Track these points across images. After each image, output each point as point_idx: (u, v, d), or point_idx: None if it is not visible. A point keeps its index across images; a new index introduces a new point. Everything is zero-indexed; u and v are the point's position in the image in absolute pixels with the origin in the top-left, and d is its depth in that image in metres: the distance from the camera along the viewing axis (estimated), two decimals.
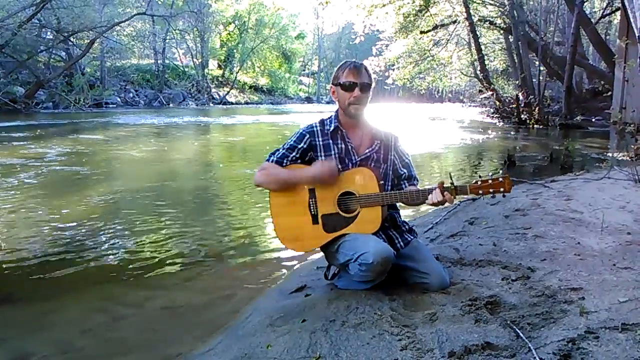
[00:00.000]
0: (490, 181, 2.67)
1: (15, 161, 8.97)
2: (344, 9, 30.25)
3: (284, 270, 3.77)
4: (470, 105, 39.48)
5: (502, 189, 2.66)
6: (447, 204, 2.74)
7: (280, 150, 2.87)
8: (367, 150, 2.87)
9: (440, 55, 28.93)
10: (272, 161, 2.86)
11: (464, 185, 2.70)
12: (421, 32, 27.15)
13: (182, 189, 7.01)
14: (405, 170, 2.95)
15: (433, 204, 2.70)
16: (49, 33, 28.94)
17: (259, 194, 6.16)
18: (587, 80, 27.29)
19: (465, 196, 3.00)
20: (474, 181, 2.72)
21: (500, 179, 2.66)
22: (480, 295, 2.58)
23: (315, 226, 2.79)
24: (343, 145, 2.86)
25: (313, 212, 2.79)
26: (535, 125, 19.08)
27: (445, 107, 44.39)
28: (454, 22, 26.08)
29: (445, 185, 2.68)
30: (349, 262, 2.67)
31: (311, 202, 2.79)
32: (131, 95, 36.05)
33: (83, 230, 4.68)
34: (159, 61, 41.00)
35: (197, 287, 3.49)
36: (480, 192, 2.69)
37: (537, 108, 19.54)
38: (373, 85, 2.88)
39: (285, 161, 2.85)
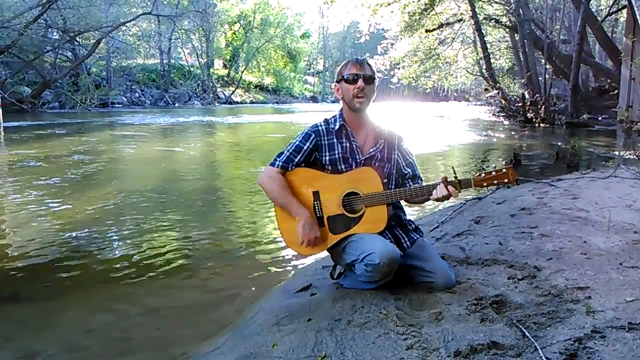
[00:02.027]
0: (493, 173, 2.66)
1: (21, 161, 9.02)
2: (349, 8, 30.10)
3: (290, 270, 3.77)
4: (475, 104, 39.44)
5: (506, 180, 2.66)
6: (452, 200, 2.72)
7: (286, 153, 2.85)
8: (371, 149, 2.87)
9: (446, 54, 28.91)
10: (277, 166, 2.84)
11: (467, 179, 2.69)
12: (426, 31, 27.11)
13: (187, 188, 7.03)
14: (409, 170, 2.94)
15: (437, 199, 2.69)
16: (55, 33, 29.11)
17: (263, 194, 6.16)
18: (593, 78, 27.16)
19: (471, 194, 2.98)
20: (477, 174, 2.71)
21: (504, 170, 2.65)
22: (486, 294, 2.57)
23: (321, 228, 2.77)
24: (348, 144, 2.85)
25: (318, 215, 2.78)
26: (541, 124, 19.03)
27: (450, 105, 44.36)
28: (460, 20, 26.04)
29: (449, 180, 2.67)
30: (355, 262, 2.66)
31: (316, 205, 2.78)
32: (137, 95, 36.23)
33: (89, 230, 4.70)
34: (164, 61, 41.19)
35: (202, 287, 3.49)
36: (485, 184, 2.68)
37: (543, 106, 19.49)
38: (377, 80, 2.87)
39: (290, 166, 2.83)
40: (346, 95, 2.83)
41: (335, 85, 2.92)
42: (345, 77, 2.81)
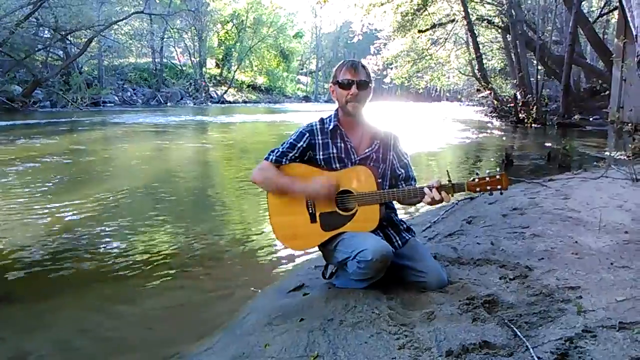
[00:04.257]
0: (487, 178, 2.67)
1: (12, 161, 8.95)
2: (342, 8, 30.15)
3: (282, 270, 3.77)
4: (468, 105, 39.52)
5: (499, 187, 2.66)
6: (443, 203, 2.73)
7: (280, 148, 2.85)
8: (366, 150, 2.87)
9: (438, 54, 28.96)
10: (271, 160, 2.84)
11: (461, 183, 2.70)
12: (419, 31, 27.17)
13: (179, 188, 7.01)
14: (402, 171, 2.94)
15: (430, 203, 2.69)
16: (46, 32, 28.95)
17: (256, 194, 6.16)
18: (584, 79, 27.30)
19: (463, 194, 2.98)
20: (471, 179, 2.72)
21: (497, 176, 2.66)
22: (478, 294, 2.58)
23: (313, 225, 2.78)
24: (342, 145, 2.85)
25: (311, 211, 2.79)
26: (533, 125, 19.09)
27: (443, 106, 44.44)
28: (452, 21, 26.09)
29: (442, 183, 2.67)
30: (347, 260, 2.66)
31: (309, 201, 2.79)
32: (129, 94, 36.05)
33: (81, 230, 4.68)
34: (156, 60, 41.06)
35: (194, 287, 3.49)
36: (478, 189, 2.69)
37: (534, 107, 19.56)
38: (372, 83, 2.86)
39: (284, 160, 2.83)
40: (340, 99, 2.83)
41: (330, 86, 2.91)
42: (339, 82, 2.80)
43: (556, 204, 4.64)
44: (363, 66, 2.84)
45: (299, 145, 2.84)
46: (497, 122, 21.72)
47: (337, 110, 2.92)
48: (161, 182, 7.36)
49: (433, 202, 2.67)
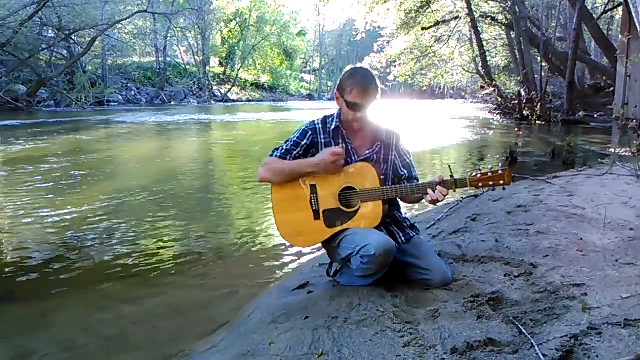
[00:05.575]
0: (490, 174, 2.66)
1: (17, 160, 8.99)
2: (345, 6, 30.24)
3: (286, 268, 3.77)
4: (472, 102, 39.43)
5: (502, 182, 2.66)
6: (448, 197, 2.74)
7: (284, 146, 2.86)
8: (367, 152, 2.87)
9: (442, 52, 28.90)
10: (275, 156, 2.85)
11: (463, 179, 2.70)
12: (422, 29, 27.13)
13: (183, 187, 7.01)
14: (405, 171, 2.93)
15: (432, 202, 2.71)
16: (50, 31, 29.02)
17: (260, 192, 6.16)
18: (589, 76, 27.19)
19: (467, 192, 2.97)
20: (473, 174, 2.71)
21: (500, 172, 2.65)
22: (483, 291, 2.57)
23: (317, 222, 2.78)
24: (343, 146, 2.85)
25: (314, 208, 2.79)
26: (537, 121, 19.04)
27: (447, 103, 44.34)
28: (456, 18, 26.05)
29: (445, 179, 2.68)
30: (351, 255, 2.66)
31: (312, 198, 2.79)
32: (133, 93, 36.11)
33: (85, 229, 4.69)
34: (160, 59, 41.07)
35: (198, 285, 3.49)
36: (480, 184, 2.69)
37: (539, 104, 19.50)
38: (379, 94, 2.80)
39: (288, 157, 2.84)
40: (345, 114, 2.81)
41: (336, 93, 2.85)
42: (347, 101, 2.74)
43: (561, 201, 4.62)
44: (375, 84, 2.76)
45: (302, 143, 2.85)
46: (501, 119, 21.67)
47: (340, 110, 2.90)
48: (166, 180, 7.37)
49: (435, 201, 2.69)
